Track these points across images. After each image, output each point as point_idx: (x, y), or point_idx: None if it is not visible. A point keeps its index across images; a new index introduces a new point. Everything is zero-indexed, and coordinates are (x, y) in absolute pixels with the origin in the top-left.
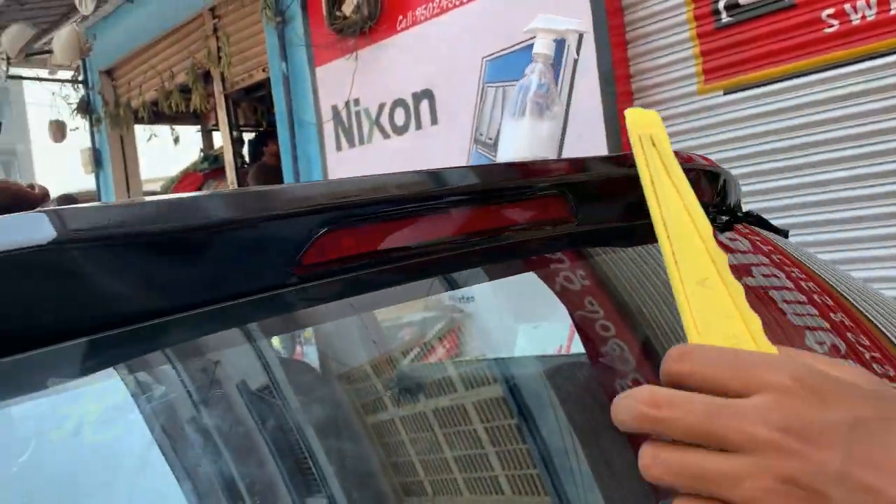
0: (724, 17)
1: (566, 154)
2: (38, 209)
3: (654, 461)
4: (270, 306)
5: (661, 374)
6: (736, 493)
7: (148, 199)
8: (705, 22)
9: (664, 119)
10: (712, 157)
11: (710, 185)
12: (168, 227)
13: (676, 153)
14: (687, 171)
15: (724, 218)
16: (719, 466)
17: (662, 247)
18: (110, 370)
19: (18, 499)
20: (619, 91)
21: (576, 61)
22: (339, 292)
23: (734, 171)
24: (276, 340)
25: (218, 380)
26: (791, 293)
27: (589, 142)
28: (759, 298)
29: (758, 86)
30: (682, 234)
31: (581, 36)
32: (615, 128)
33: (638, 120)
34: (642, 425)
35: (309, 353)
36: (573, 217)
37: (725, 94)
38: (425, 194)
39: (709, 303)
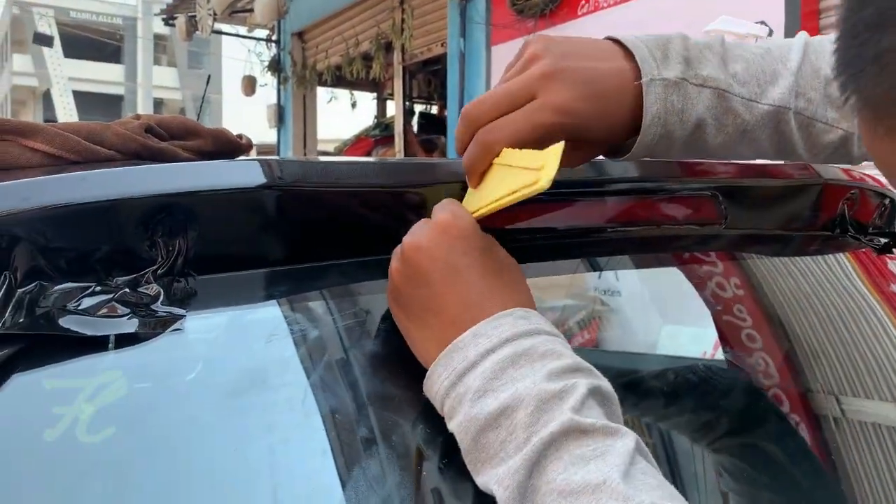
0: None
1: None
2: (248, 157)
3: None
4: None
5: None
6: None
7: (339, 159)
8: None
9: None
10: None
11: (873, 205)
12: (350, 186)
13: (846, 170)
14: (849, 189)
15: (883, 241)
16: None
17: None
18: (279, 300)
19: (190, 400)
20: None
21: None
22: None
23: None
24: None
25: (363, 319)
26: None
27: None
28: None
29: None
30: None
31: (769, 37)
32: None
33: None
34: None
35: None
36: (721, 219)
37: None
38: (571, 181)
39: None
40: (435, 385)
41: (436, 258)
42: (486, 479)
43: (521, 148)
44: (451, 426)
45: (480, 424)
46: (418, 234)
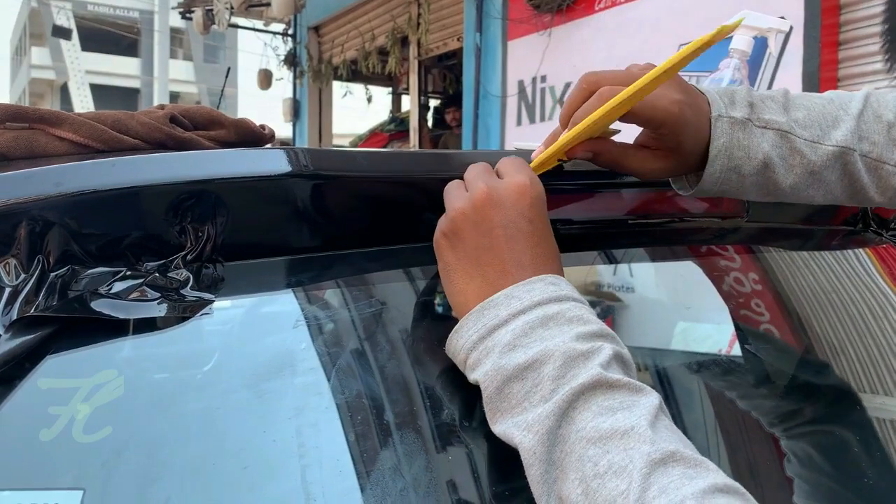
0: None
1: None
2: (273, 146)
3: None
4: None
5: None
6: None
7: (368, 149)
8: None
9: None
10: None
11: None
12: (371, 175)
13: None
14: None
15: None
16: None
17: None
18: (304, 287)
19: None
20: None
21: (778, 59)
22: None
23: None
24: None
25: (380, 309)
26: None
27: None
28: None
29: None
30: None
31: (789, 32)
32: None
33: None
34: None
35: None
36: (743, 212)
37: None
38: (590, 171)
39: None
40: (462, 338)
41: (508, 215)
42: (506, 426)
43: (625, 122)
44: (475, 375)
45: (507, 374)
46: (494, 188)
